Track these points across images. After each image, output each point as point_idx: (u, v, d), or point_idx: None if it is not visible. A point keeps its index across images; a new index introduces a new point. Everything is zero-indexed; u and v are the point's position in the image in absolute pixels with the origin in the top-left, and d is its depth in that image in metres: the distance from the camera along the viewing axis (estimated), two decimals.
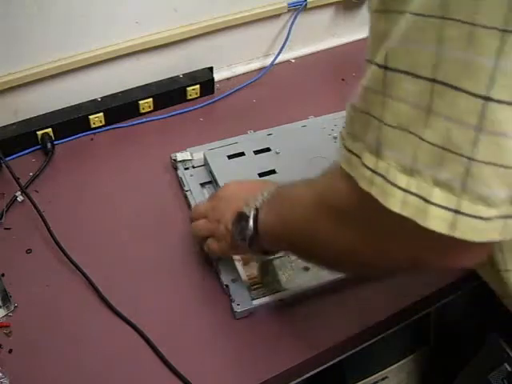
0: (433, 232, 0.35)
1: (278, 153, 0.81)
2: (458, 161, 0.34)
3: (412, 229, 0.35)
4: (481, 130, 0.33)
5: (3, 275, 0.65)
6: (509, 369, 0.55)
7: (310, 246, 0.50)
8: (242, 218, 0.57)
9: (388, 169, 0.36)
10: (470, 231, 0.35)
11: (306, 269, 0.67)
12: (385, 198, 0.36)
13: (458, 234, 0.34)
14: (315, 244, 0.49)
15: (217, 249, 0.64)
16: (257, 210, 0.56)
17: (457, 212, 0.34)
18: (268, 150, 0.81)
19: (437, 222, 0.35)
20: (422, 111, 0.34)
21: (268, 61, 1.03)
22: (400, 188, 0.36)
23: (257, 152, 0.81)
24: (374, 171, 0.37)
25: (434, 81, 0.34)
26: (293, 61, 1.06)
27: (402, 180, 0.36)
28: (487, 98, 0.32)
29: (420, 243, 0.38)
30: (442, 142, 0.34)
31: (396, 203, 0.36)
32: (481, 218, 0.34)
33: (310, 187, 0.49)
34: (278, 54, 1.01)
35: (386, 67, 0.36)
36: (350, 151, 0.40)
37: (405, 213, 0.35)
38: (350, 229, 0.43)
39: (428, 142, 0.35)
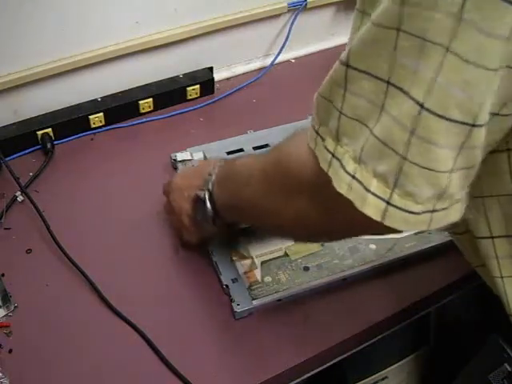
0: (368, 217, 0.39)
1: None
2: (394, 158, 0.37)
3: (353, 210, 0.39)
4: (413, 133, 0.36)
5: (3, 275, 0.65)
6: (509, 369, 0.55)
7: (261, 217, 0.55)
8: (198, 201, 0.61)
9: (344, 154, 0.40)
10: (399, 221, 0.38)
11: (306, 269, 0.67)
12: (336, 180, 0.40)
13: (387, 223, 0.38)
14: (266, 214, 0.53)
15: (189, 239, 0.68)
16: (209, 190, 0.60)
17: (388, 203, 0.38)
18: (267, 145, 0.82)
19: (372, 209, 0.38)
20: (376, 108, 0.38)
21: (268, 61, 1.03)
22: (349, 173, 0.39)
23: (256, 148, 0.81)
24: (333, 155, 0.41)
25: (388, 82, 0.37)
26: (293, 61, 1.06)
27: (351, 166, 0.39)
28: (422, 106, 0.35)
29: (359, 221, 0.40)
30: (385, 138, 0.37)
31: (344, 186, 0.40)
32: (409, 211, 0.38)
33: (257, 161, 0.54)
34: (278, 54, 1.01)
35: (347, 65, 0.39)
36: (316, 132, 0.43)
37: (349, 196, 0.39)
38: (305, 199, 0.47)
39: (374, 136, 0.38)
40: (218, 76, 0.97)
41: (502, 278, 0.49)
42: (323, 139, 0.42)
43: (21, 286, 0.65)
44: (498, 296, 0.51)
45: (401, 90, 0.36)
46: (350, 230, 0.48)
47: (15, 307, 0.63)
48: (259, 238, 0.70)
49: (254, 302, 0.63)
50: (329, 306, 0.65)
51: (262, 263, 0.68)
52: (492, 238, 0.48)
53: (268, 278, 0.66)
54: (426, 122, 0.35)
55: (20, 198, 0.75)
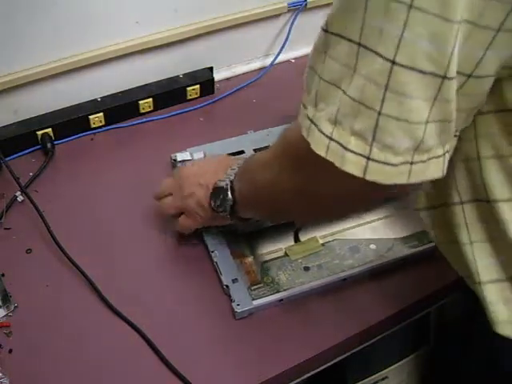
0: (351, 174, 0.40)
1: None
2: (369, 114, 0.39)
3: (335, 170, 0.41)
4: (387, 88, 0.38)
5: (3, 275, 0.65)
6: (506, 368, 0.55)
7: (274, 200, 0.57)
8: (220, 191, 0.63)
9: (320, 118, 0.42)
10: (380, 175, 0.40)
11: (307, 269, 0.67)
12: (314, 144, 0.42)
13: (368, 177, 0.40)
14: (277, 196, 0.56)
15: (190, 224, 0.68)
16: (231, 181, 0.62)
17: (368, 158, 0.40)
18: (267, 147, 0.81)
19: (352, 166, 0.40)
20: (349, 70, 0.40)
21: (268, 61, 1.03)
22: (326, 135, 0.41)
23: (257, 150, 0.81)
24: (311, 121, 0.42)
25: (359, 44, 0.39)
26: (293, 61, 1.06)
27: (328, 128, 0.41)
28: (393, 62, 0.37)
29: (343, 181, 0.42)
30: (359, 97, 0.39)
31: (322, 148, 0.41)
32: (388, 163, 0.40)
33: (270, 148, 0.57)
34: (278, 54, 1.01)
35: (326, 30, 0.41)
36: (303, 104, 0.45)
37: (328, 157, 0.41)
38: (302, 171, 0.49)
39: (349, 97, 0.40)
40: (218, 76, 0.97)
41: (471, 243, 0.50)
42: (306, 108, 0.44)
43: (21, 286, 0.65)
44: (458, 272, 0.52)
45: (371, 50, 0.38)
46: (342, 195, 0.49)
47: (15, 307, 0.63)
48: (260, 239, 0.71)
49: (254, 303, 0.63)
50: (329, 306, 0.65)
51: (263, 263, 0.68)
52: (462, 203, 0.50)
53: (268, 279, 0.66)
54: (398, 76, 0.37)
55: (20, 198, 0.75)
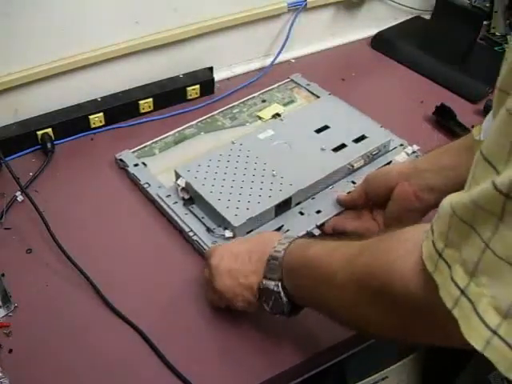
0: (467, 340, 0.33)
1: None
2: None
3: (457, 332, 0.34)
4: None
5: (3, 275, 0.65)
6: None
7: (345, 320, 0.51)
8: (269, 293, 0.55)
9: (480, 297, 0.33)
10: (500, 359, 0.33)
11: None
12: (468, 329, 0.33)
13: (487, 354, 0.33)
14: (351, 320, 0.49)
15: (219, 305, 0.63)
16: (281, 280, 0.54)
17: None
18: None
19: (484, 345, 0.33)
20: None
21: (268, 61, 1.03)
22: (489, 327, 0.32)
23: None
24: (463, 292, 0.34)
25: None
26: (293, 61, 1.06)
27: (493, 319, 0.32)
28: None
29: (451, 338, 0.35)
30: None
31: (480, 341, 0.33)
32: None
33: (349, 264, 0.46)
34: (278, 54, 1.01)
35: (507, 196, 0.31)
36: (438, 253, 0.36)
37: (486, 353, 0.33)
38: (406, 318, 0.41)
39: None
40: (218, 76, 0.97)
41: None
42: (449, 266, 0.35)
43: (21, 286, 0.65)
44: None
45: None
46: (434, 340, 0.42)
47: (15, 307, 0.63)
48: None
49: None
50: None
51: None
52: None
53: None
54: None
55: (20, 198, 0.75)
